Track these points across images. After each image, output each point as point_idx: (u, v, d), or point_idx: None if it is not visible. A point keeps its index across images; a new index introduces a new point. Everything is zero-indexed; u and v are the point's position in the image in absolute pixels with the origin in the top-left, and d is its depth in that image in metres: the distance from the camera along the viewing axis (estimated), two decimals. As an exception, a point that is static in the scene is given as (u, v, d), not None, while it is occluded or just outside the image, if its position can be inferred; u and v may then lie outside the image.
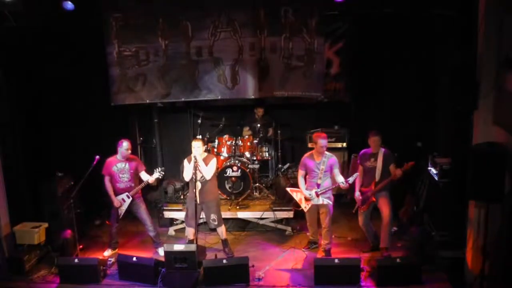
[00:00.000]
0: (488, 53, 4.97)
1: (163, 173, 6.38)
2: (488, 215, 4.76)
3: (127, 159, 6.30)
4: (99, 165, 6.21)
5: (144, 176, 6.39)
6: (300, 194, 6.19)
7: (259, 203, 7.41)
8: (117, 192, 6.30)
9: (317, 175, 6.02)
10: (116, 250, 6.56)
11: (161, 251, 6.37)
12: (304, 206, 6.17)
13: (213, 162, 6.17)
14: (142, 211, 6.44)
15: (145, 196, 6.95)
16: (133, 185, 6.34)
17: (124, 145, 6.23)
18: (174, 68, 6.79)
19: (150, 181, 6.34)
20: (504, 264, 4.58)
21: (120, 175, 6.27)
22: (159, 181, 6.73)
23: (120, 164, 6.28)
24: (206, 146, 7.62)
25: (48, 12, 6.30)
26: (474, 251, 5.28)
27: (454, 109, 5.72)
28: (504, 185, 4.53)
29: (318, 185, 6.03)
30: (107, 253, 6.51)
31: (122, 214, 6.38)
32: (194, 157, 5.97)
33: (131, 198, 6.31)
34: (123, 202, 6.30)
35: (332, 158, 6.04)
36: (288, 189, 6.47)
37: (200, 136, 7.61)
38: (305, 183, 6.18)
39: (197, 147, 6.05)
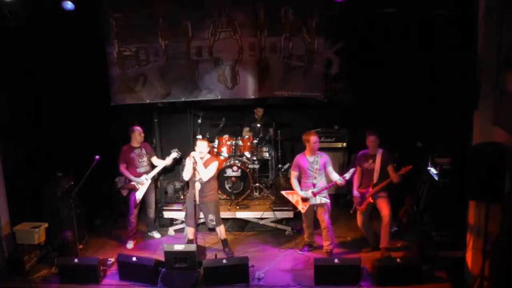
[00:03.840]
0: (488, 53, 4.97)
1: (180, 153, 6.74)
2: (488, 215, 4.76)
3: (141, 144, 6.66)
4: (99, 165, 6.21)
5: (156, 161, 6.76)
6: (296, 196, 6.16)
7: (259, 203, 7.40)
8: (135, 177, 6.60)
9: (312, 174, 6.01)
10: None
11: (156, 234, 6.91)
12: (302, 208, 6.14)
13: (213, 166, 6.16)
14: (152, 193, 6.83)
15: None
16: (149, 168, 6.66)
17: (139, 129, 6.63)
18: (174, 68, 6.79)
19: (168, 162, 6.74)
20: (504, 264, 4.58)
21: (139, 160, 6.62)
22: (175, 161, 7.10)
23: (138, 150, 6.64)
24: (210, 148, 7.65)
25: (48, 12, 6.31)
26: (474, 251, 5.27)
27: (454, 109, 5.72)
28: (504, 185, 4.53)
29: (314, 185, 6.02)
30: (130, 245, 6.73)
31: (140, 198, 6.61)
32: (193, 157, 5.97)
33: (149, 180, 6.62)
34: (143, 183, 6.60)
35: (324, 156, 6.05)
36: (283, 192, 6.44)
37: (200, 136, 7.62)
38: (299, 184, 6.17)
39: (201, 147, 6.08)
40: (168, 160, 6.72)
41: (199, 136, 7.51)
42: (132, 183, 6.60)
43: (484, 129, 5.06)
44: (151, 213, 6.93)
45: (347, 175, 5.86)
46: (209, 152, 6.38)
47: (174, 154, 6.71)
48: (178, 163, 7.64)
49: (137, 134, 6.61)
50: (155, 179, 7.10)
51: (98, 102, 7.23)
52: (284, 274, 5.87)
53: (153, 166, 6.80)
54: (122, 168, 6.58)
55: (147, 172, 6.66)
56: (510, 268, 4.47)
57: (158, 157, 7.23)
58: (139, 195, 6.60)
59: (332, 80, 7.66)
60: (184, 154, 6.52)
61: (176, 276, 5.67)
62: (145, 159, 6.68)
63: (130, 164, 6.60)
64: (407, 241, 6.47)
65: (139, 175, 6.61)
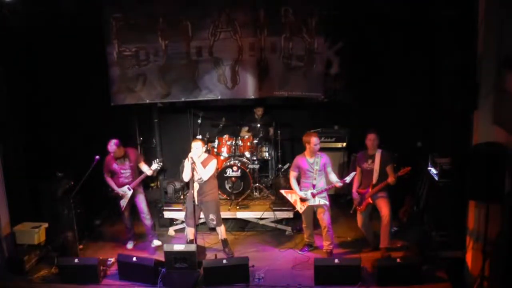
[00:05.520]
0: (488, 53, 4.97)
1: (161, 164, 6.52)
2: (488, 215, 4.76)
3: (125, 153, 6.44)
4: (99, 165, 6.22)
5: (144, 167, 6.58)
6: (294, 195, 6.16)
7: (259, 203, 7.40)
8: (119, 186, 6.49)
9: (312, 175, 6.00)
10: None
11: (156, 242, 6.70)
12: (300, 208, 6.14)
13: (213, 164, 6.16)
14: (141, 199, 6.59)
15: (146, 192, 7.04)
16: (132, 178, 6.52)
17: (115, 142, 6.30)
18: (174, 68, 6.79)
19: (149, 173, 6.49)
20: (504, 264, 4.58)
21: (122, 171, 6.45)
22: (157, 171, 6.97)
23: (120, 160, 6.42)
24: (206, 146, 7.64)
25: (48, 12, 6.31)
26: (474, 251, 5.28)
27: (454, 109, 5.72)
28: (504, 185, 4.54)
29: (314, 186, 6.01)
30: (130, 245, 6.73)
31: (124, 206, 6.53)
32: (191, 158, 5.97)
33: (132, 190, 6.47)
34: (125, 194, 6.48)
35: (324, 157, 6.04)
36: (282, 191, 6.44)
37: (200, 137, 7.62)
38: (298, 184, 6.16)
39: (196, 148, 6.05)
40: (150, 171, 6.44)
41: (199, 137, 7.52)
42: (116, 191, 6.51)
43: (484, 129, 5.06)
44: (146, 219, 6.64)
45: (348, 179, 5.84)
46: (207, 151, 6.35)
47: (155, 166, 6.36)
48: (177, 165, 7.62)
49: (113, 146, 6.28)
50: (155, 179, 7.07)
51: (98, 102, 7.23)
52: (284, 274, 5.86)
53: (140, 173, 6.62)
54: (106, 177, 6.49)
55: (129, 183, 6.45)
56: (510, 268, 4.47)
57: (157, 157, 7.22)
58: (123, 203, 6.53)
59: (332, 80, 7.64)
60: (184, 154, 6.51)
61: (176, 276, 5.67)
62: (128, 169, 6.45)
63: (113, 174, 6.49)
64: (407, 241, 6.46)
65: (121, 184, 6.46)
